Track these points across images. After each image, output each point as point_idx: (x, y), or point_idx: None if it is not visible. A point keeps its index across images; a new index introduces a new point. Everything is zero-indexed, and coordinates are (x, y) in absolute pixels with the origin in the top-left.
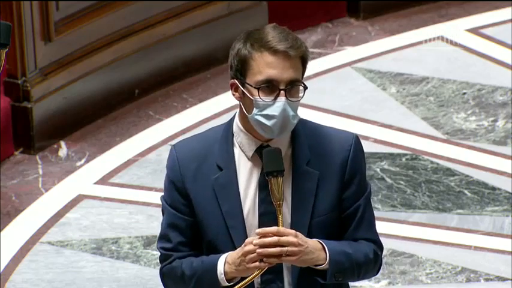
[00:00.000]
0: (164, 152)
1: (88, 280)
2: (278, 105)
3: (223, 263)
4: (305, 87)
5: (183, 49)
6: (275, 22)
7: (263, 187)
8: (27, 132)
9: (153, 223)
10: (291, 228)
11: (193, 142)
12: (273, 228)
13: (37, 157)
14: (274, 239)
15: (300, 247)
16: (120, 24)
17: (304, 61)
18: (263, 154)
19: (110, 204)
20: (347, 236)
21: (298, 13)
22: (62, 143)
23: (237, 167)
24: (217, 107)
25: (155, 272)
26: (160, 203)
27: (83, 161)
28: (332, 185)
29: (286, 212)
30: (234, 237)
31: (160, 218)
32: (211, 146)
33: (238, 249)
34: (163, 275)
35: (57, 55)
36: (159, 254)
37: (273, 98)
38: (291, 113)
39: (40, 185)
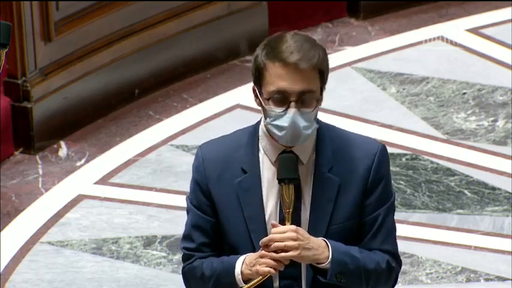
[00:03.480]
0: (164, 152)
1: (88, 280)
2: (288, 116)
3: (241, 263)
4: (317, 100)
5: (183, 49)
6: (275, 22)
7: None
8: (27, 132)
9: (153, 223)
10: (308, 233)
11: (219, 144)
12: (273, 230)
13: (37, 157)
14: (270, 236)
15: (299, 241)
16: (120, 24)
17: (321, 71)
18: (279, 160)
19: (110, 204)
20: (363, 244)
21: (298, 13)
22: (62, 143)
23: (261, 171)
24: (217, 107)
25: (155, 272)
26: (160, 202)
27: (83, 161)
28: (352, 193)
29: (304, 217)
30: (254, 241)
31: (160, 218)
32: (237, 149)
33: (259, 251)
34: (184, 275)
35: (57, 55)
36: (182, 253)
37: (284, 108)
38: (302, 123)
39: (40, 185)
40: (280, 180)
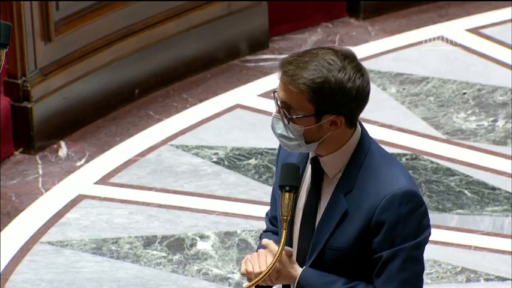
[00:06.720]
0: (164, 152)
1: (88, 280)
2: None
3: None
4: (289, 119)
5: (183, 49)
6: (275, 22)
7: (309, 197)
8: (27, 132)
9: (153, 223)
10: (309, 248)
11: None
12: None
13: (37, 157)
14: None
15: (280, 279)
16: (120, 24)
17: (310, 94)
18: (281, 167)
19: (110, 204)
20: (370, 279)
21: (298, 13)
22: (62, 143)
23: (306, 169)
24: (217, 107)
25: (155, 272)
26: (160, 202)
27: (83, 161)
28: (355, 225)
29: (316, 228)
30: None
31: (160, 218)
32: None
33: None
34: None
35: (57, 55)
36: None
37: (275, 110)
38: (278, 130)
39: (40, 185)
40: (281, 187)
